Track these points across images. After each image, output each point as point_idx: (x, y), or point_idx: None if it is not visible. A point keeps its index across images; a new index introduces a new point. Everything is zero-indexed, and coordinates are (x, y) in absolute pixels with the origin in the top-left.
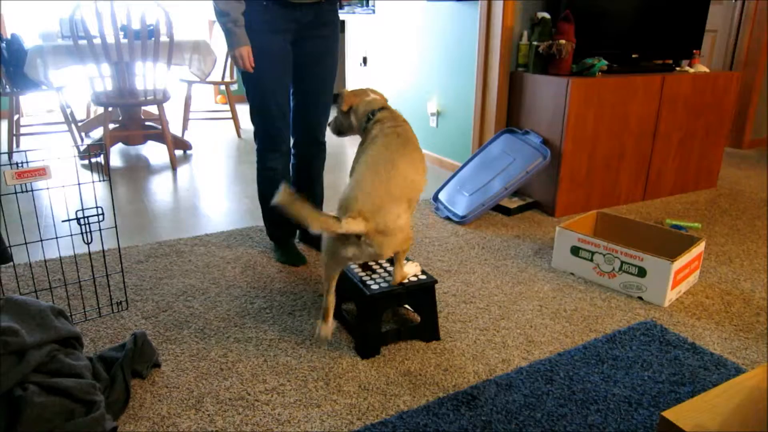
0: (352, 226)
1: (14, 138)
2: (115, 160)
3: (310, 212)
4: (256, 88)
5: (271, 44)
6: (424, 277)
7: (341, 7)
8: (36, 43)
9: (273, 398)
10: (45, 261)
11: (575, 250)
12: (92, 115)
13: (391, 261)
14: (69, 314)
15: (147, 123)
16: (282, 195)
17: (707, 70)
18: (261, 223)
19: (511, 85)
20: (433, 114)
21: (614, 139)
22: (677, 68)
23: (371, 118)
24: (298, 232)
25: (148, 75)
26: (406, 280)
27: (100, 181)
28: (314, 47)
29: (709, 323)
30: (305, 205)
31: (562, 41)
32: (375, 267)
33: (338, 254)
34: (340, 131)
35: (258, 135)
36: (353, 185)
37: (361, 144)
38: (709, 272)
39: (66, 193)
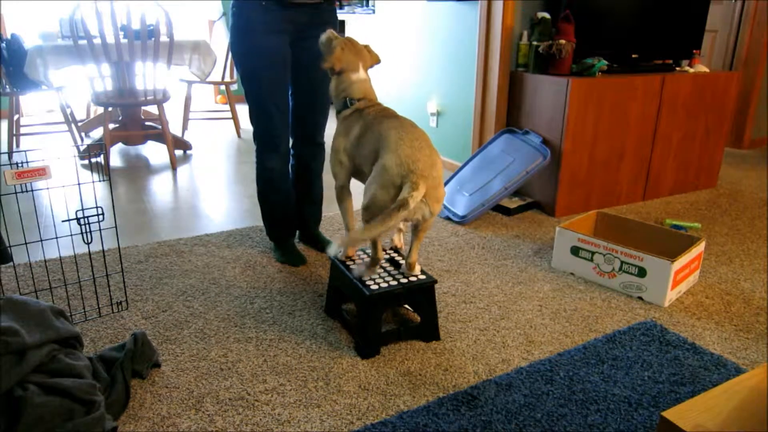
0: (419, 194)
1: (14, 138)
2: (115, 160)
3: (375, 225)
4: (254, 88)
5: (270, 45)
6: (423, 277)
7: (341, 7)
8: (36, 43)
9: (273, 398)
10: (45, 261)
11: (575, 250)
12: (92, 115)
13: (392, 261)
14: (69, 314)
15: (147, 123)
16: (344, 250)
17: (707, 70)
18: (261, 223)
19: (511, 85)
20: (433, 114)
21: (614, 139)
22: (677, 68)
23: (348, 106)
24: (297, 232)
25: (148, 75)
26: (405, 280)
27: (100, 181)
28: (313, 48)
29: (709, 323)
30: (362, 227)
31: (562, 41)
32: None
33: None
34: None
35: (257, 135)
36: (396, 147)
37: (344, 134)
38: (709, 272)
39: (66, 193)
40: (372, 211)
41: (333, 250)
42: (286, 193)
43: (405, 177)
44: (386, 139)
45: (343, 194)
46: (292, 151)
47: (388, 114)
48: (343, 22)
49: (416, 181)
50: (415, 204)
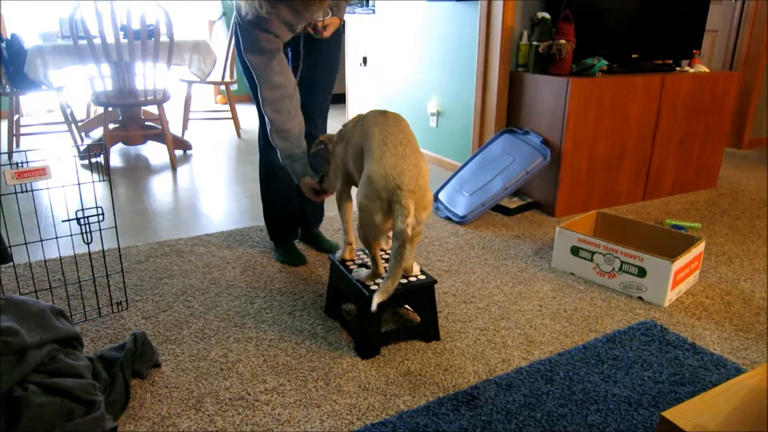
0: (411, 218)
1: (14, 138)
2: (115, 160)
3: (395, 271)
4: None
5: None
6: (423, 277)
7: None
8: (36, 43)
9: (273, 398)
10: (45, 261)
11: (575, 250)
12: (92, 115)
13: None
14: (69, 314)
15: (147, 123)
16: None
17: (707, 70)
18: (261, 223)
19: (511, 85)
20: (433, 114)
21: (614, 139)
22: (677, 68)
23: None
24: (299, 231)
25: (148, 75)
26: (405, 280)
27: (100, 181)
28: (316, 42)
29: (709, 323)
30: (388, 277)
31: (562, 41)
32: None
33: (379, 229)
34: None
35: (261, 131)
36: (380, 155)
37: (338, 144)
38: (709, 272)
39: (66, 193)
40: (363, 227)
41: (374, 305)
42: (288, 192)
43: (392, 193)
44: (370, 137)
45: (342, 198)
46: None
47: (365, 118)
48: (343, 23)
49: (405, 203)
50: (412, 215)
